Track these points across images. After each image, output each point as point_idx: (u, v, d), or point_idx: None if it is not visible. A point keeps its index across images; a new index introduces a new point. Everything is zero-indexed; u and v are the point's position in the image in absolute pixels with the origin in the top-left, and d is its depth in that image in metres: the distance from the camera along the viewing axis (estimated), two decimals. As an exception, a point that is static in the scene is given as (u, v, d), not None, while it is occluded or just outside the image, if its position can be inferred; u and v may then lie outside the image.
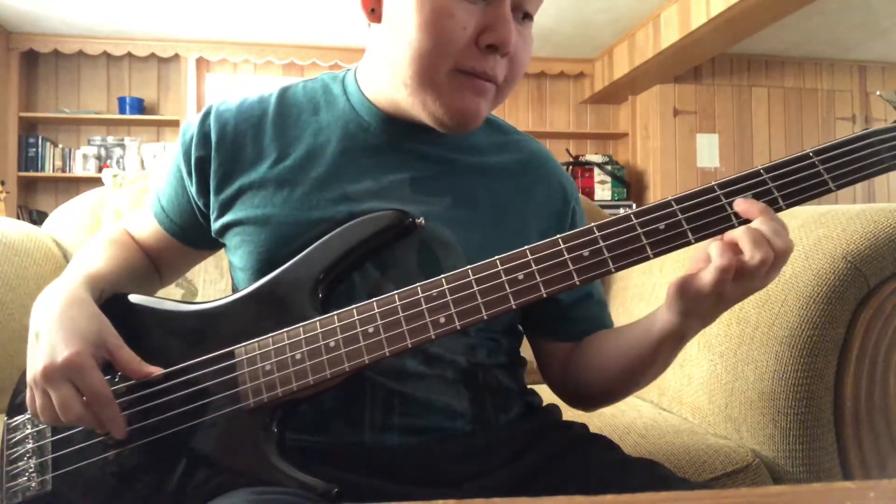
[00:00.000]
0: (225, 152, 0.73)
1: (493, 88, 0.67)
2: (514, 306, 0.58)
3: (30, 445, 0.66)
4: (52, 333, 0.62)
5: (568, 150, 5.15)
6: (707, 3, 3.61)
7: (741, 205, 0.57)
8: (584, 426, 0.78)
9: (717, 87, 5.05)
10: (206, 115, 0.75)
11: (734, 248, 0.56)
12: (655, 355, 0.67)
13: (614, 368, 0.72)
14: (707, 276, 0.57)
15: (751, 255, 0.55)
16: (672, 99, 4.94)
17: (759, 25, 3.79)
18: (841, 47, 4.95)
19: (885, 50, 5.01)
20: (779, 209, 0.58)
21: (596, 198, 4.87)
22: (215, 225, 0.74)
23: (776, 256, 0.56)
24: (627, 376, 0.72)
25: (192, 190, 0.75)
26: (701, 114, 4.98)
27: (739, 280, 0.56)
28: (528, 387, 0.81)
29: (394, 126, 0.73)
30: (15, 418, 0.68)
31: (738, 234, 0.56)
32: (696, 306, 0.60)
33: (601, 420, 1.02)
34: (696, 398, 1.03)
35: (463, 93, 0.66)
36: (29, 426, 0.67)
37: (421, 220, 0.66)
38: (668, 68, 4.58)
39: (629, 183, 5.04)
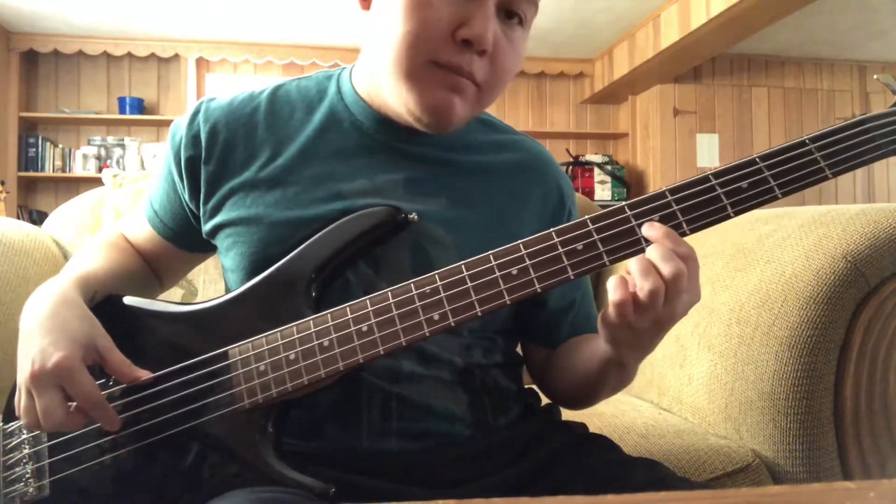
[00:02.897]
0: (216, 152, 0.72)
1: (470, 87, 0.66)
2: (508, 301, 0.58)
3: (26, 451, 0.65)
4: (41, 336, 0.61)
5: (568, 150, 5.15)
6: (707, 3, 3.60)
7: (647, 231, 0.57)
8: (583, 426, 0.78)
9: (717, 87, 5.05)
10: (195, 113, 0.74)
11: (629, 282, 0.56)
12: (603, 378, 0.69)
13: (573, 382, 0.75)
14: (610, 310, 0.57)
15: (639, 286, 0.54)
16: (672, 99, 4.94)
17: (759, 25, 3.79)
18: (841, 47, 4.94)
19: (885, 50, 5.01)
20: (774, 197, 0.57)
21: (596, 198, 4.87)
22: (206, 226, 0.73)
23: (667, 284, 0.54)
24: (584, 390, 0.74)
25: (184, 192, 0.74)
26: (701, 114, 4.98)
27: (642, 311, 0.55)
28: (527, 387, 0.81)
29: (388, 126, 0.72)
30: (10, 423, 0.67)
31: (630, 264, 0.56)
32: (617, 336, 0.59)
33: (601, 420, 1.02)
34: (696, 398, 1.03)
35: (436, 86, 0.64)
36: (25, 431, 0.66)
37: (414, 216, 0.66)
38: (668, 68, 4.57)
39: (629, 183, 5.04)
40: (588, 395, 0.75)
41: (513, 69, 0.68)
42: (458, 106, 0.66)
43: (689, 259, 0.55)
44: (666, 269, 0.54)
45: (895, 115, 0.58)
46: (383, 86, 0.68)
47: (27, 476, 0.64)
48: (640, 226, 0.57)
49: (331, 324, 0.60)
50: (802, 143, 0.58)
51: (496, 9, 0.64)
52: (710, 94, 5.03)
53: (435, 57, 0.63)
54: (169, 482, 0.62)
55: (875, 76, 0.64)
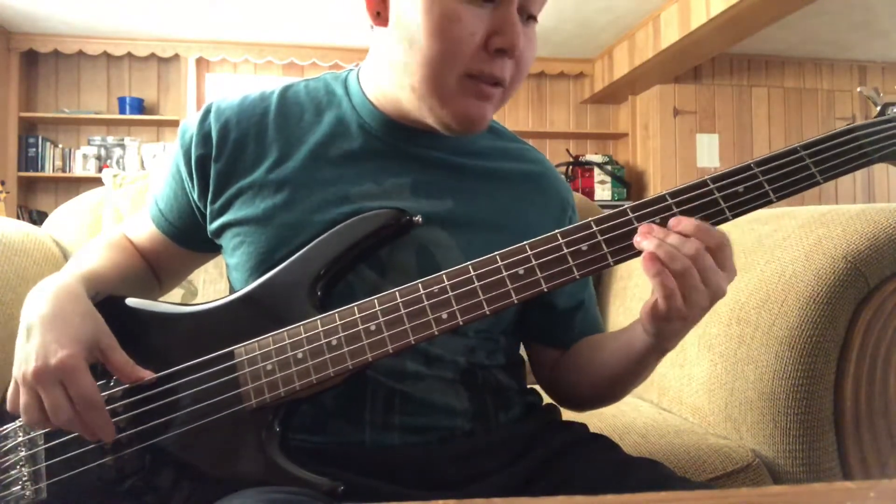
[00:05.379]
0: (226, 151, 0.72)
1: (499, 92, 0.67)
2: (515, 301, 0.59)
3: (23, 453, 0.64)
4: (45, 331, 0.60)
5: (568, 150, 5.15)
6: (707, 3, 3.60)
7: (644, 234, 0.58)
8: (584, 426, 0.79)
9: (717, 87, 5.04)
10: (207, 113, 0.74)
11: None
12: (640, 368, 0.69)
13: (601, 376, 0.74)
14: (661, 305, 0.57)
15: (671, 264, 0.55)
16: (672, 99, 4.94)
17: (759, 25, 3.79)
18: (841, 47, 4.94)
19: (885, 50, 5.01)
20: (769, 201, 0.60)
21: (596, 198, 4.86)
22: (213, 225, 0.74)
23: (694, 263, 0.55)
24: (613, 384, 0.74)
25: (193, 190, 0.74)
26: (701, 114, 4.98)
27: (689, 295, 0.56)
28: (529, 386, 0.81)
29: (396, 129, 0.73)
30: (6, 426, 0.66)
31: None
32: (667, 328, 0.60)
33: (601, 420, 1.02)
34: (696, 398, 1.03)
35: (470, 98, 0.66)
36: (21, 434, 0.65)
37: (418, 219, 0.66)
38: (668, 68, 4.57)
39: (629, 183, 5.04)
40: (617, 389, 0.74)
41: (531, 63, 0.70)
42: (488, 112, 0.68)
43: (717, 246, 0.57)
44: (687, 249, 0.55)
45: (881, 124, 0.62)
46: (407, 99, 0.68)
47: (24, 479, 0.64)
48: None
49: (338, 323, 0.61)
50: (794, 151, 0.60)
51: (518, 11, 0.65)
52: (710, 94, 5.02)
53: (469, 70, 0.64)
54: (174, 483, 0.61)
55: (858, 89, 0.67)
